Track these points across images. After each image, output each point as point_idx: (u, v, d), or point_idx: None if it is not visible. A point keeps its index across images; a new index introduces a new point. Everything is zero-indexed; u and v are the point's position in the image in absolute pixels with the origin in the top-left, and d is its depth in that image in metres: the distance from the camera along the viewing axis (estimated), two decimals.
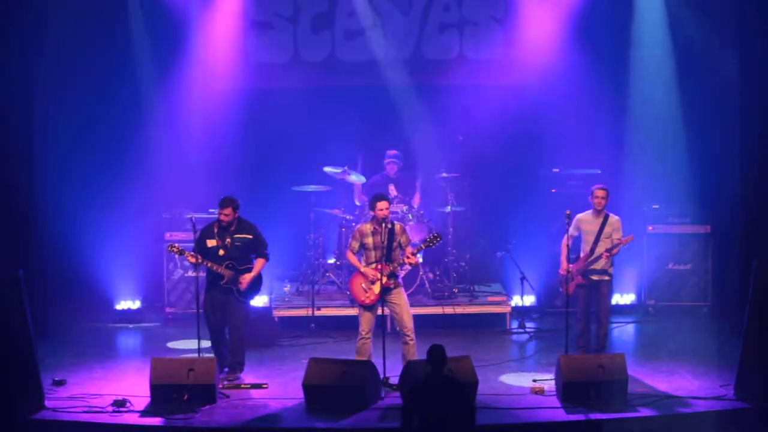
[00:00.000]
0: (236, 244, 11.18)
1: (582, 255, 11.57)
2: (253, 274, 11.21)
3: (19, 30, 12.75)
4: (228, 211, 11.13)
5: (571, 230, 11.58)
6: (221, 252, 11.14)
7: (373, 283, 10.89)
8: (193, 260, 11.06)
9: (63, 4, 13.51)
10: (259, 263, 11.29)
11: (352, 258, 11.18)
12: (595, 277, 11.50)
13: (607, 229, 11.40)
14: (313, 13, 14.71)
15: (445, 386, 8.44)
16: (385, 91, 14.63)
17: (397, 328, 11.08)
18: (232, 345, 11.29)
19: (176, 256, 11.31)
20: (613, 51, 14.21)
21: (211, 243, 11.18)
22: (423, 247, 11.20)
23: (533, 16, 14.51)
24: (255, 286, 11.34)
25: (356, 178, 13.99)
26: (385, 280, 10.88)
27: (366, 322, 10.99)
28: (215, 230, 11.23)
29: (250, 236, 11.25)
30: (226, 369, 11.25)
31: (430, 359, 8.58)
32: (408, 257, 10.99)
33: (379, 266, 10.90)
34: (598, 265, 11.45)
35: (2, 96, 12.62)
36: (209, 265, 11.05)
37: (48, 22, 13.27)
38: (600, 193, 11.44)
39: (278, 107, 14.47)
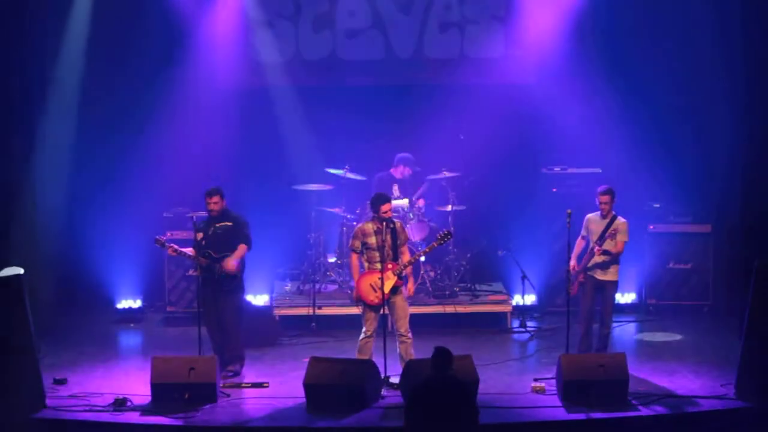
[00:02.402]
0: (217, 232, 11.34)
1: (586, 254, 11.57)
2: (232, 258, 11.26)
3: (19, 31, 12.78)
4: (216, 198, 11.34)
5: (583, 231, 11.62)
6: (203, 242, 11.31)
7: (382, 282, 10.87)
8: (171, 252, 11.30)
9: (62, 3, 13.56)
10: (240, 249, 11.35)
11: (355, 263, 11.17)
12: (600, 277, 11.47)
13: (611, 231, 11.39)
14: (314, 12, 14.71)
15: (449, 386, 8.43)
16: (386, 91, 14.64)
17: (396, 327, 11.05)
18: (227, 338, 11.36)
19: (160, 248, 11.45)
20: (615, 49, 14.19)
21: (200, 236, 11.36)
22: (436, 245, 11.21)
23: (534, 15, 14.49)
24: (238, 273, 11.41)
25: (357, 178, 13.98)
26: (395, 279, 10.90)
27: (371, 321, 10.99)
28: (201, 225, 11.45)
29: (231, 223, 11.40)
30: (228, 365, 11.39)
31: (435, 362, 8.57)
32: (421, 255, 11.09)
33: (390, 265, 10.90)
34: (599, 260, 11.41)
35: (2, 95, 12.64)
36: (180, 252, 11.21)
37: (48, 18, 13.30)
38: (603, 198, 11.42)
39: (279, 106, 14.48)
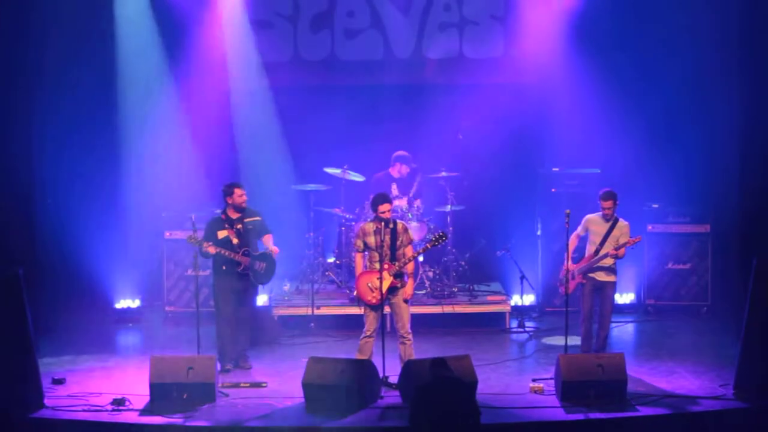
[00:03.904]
0: (249, 227, 11.39)
1: (586, 255, 11.55)
2: (276, 252, 11.55)
3: (18, 30, 12.77)
4: (245, 191, 11.37)
5: (579, 229, 11.60)
6: (235, 240, 11.31)
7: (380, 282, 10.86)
8: (213, 250, 11.14)
9: (62, 5, 13.54)
10: (270, 239, 11.56)
11: (359, 261, 11.15)
12: (600, 278, 11.46)
13: (615, 233, 11.38)
14: (313, 12, 14.71)
15: (453, 388, 8.42)
16: (384, 91, 14.63)
17: (396, 327, 11.05)
18: (240, 333, 11.45)
19: (195, 246, 11.26)
20: (613, 50, 14.20)
21: (222, 234, 11.33)
22: (429, 247, 11.20)
23: (533, 15, 14.50)
24: (272, 269, 11.52)
25: (356, 178, 13.98)
26: (392, 279, 10.88)
27: (371, 321, 10.97)
28: (223, 223, 11.36)
29: (259, 218, 11.50)
30: (230, 364, 11.44)
31: (432, 369, 8.56)
32: (415, 256, 11.05)
33: (386, 266, 10.89)
34: (604, 263, 11.41)
35: (2, 94, 12.63)
36: (227, 253, 11.15)
37: (46, 20, 13.30)
38: (606, 204, 11.39)
39: (278, 106, 14.49)
